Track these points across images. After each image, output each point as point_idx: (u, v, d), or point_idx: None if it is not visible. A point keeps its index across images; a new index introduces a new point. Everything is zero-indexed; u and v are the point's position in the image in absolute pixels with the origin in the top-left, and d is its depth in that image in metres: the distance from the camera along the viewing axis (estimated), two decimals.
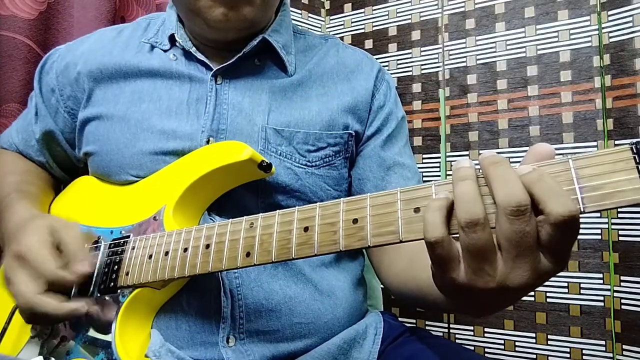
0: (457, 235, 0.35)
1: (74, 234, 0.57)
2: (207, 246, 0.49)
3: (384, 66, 1.04)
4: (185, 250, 0.51)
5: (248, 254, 0.46)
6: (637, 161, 0.31)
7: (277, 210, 0.46)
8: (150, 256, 0.54)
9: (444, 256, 0.35)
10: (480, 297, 0.36)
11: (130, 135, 0.63)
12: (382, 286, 0.99)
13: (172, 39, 0.67)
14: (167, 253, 0.52)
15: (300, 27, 0.76)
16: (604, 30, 1.00)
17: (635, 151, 0.31)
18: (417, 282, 0.53)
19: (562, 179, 0.33)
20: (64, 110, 0.70)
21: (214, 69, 0.64)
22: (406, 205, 0.38)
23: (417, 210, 0.37)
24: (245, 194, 0.61)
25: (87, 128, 0.68)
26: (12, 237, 0.58)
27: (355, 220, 0.40)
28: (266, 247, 0.45)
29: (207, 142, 0.62)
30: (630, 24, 0.96)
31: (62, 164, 0.76)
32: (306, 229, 0.42)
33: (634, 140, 0.32)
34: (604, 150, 0.32)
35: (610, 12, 0.99)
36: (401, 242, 0.38)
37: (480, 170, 0.35)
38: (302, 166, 0.64)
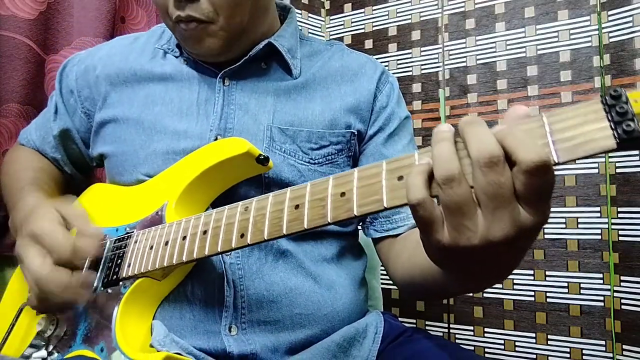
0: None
1: (76, 211, 0.60)
2: (205, 232, 0.51)
3: (384, 66, 1.04)
4: (184, 238, 0.52)
5: (242, 235, 0.47)
6: (607, 111, 0.32)
7: (271, 193, 0.47)
8: (151, 247, 0.55)
9: (427, 217, 0.36)
10: (468, 258, 0.37)
11: (145, 137, 0.65)
12: (382, 287, 0.99)
13: (179, 46, 0.70)
14: (167, 243, 0.54)
15: (307, 34, 0.77)
16: (604, 30, 1.00)
17: (605, 102, 0.32)
18: (419, 266, 0.55)
19: (536, 134, 0.34)
20: (81, 111, 0.73)
21: (221, 72, 0.67)
22: (391, 174, 0.39)
23: (400, 178, 0.38)
24: (250, 190, 0.63)
25: (104, 130, 0.71)
26: (24, 221, 0.60)
27: (342, 194, 0.41)
28: (259, 227, 0.46)
29: (215, 140, 0.63)
30: (630, 24, 0.96)
31: (75, 161, 0.79)
32: (297, 207, 0.44)
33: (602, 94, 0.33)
34: (576, 105, 0.33)
35: (610, 12, 0.99)
36: (385, 209, 0.39)
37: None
38: (305, 163, 0.66)
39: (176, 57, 0.70)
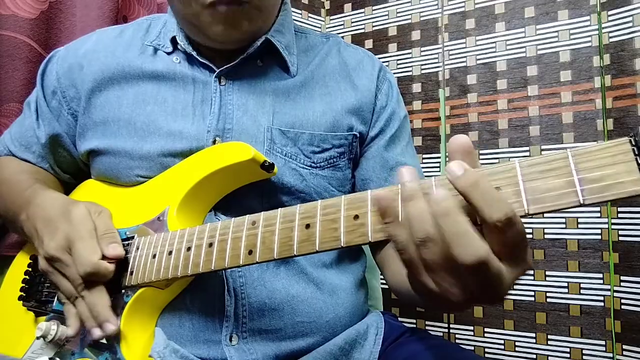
0: None
1: (104, 219, 0.58)
2: (210, 245, 0.49)
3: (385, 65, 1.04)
4: (189, 249, 0.51)
5: (250, 252, 0.46)
6: (636, 153, 0.31)
7: (279, 209, 0.46)
8: (154, 256, 0.54)
9: (413, 261, 0.36)
10: (454, 302, 0.36)
11: (138, 138, 0.62)
12: (382, 286, 0.99)
13: (174, 42, 0.67)
14: (170, 252, 0.52)
15: (301, 27, 0.76)
16: (604, 30, 1.00)
17: (634, 143, 0.31)
18: (405, 285, 0.53)
19: (561, 172, 0.33)
20: (67, 113, 0.69)
21: (217, 71, 0.64)
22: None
23: None
24: (250, 194, 0.61)
25: (93, 131, 0.67)
26: (56, 219, 0.57)
27: (356, 217, 0.40)
28: (268, 245, 0.45)
29: (214, 142, 0.61)
30: (630, 24, 0.96)
31: (65, 169, 0.75)
32: (307, 226, 0.43)
33: (632, 133, 0.32)
34: (603, 143, 0.33)
35: (610, 12, 0.99)
36: None
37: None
38: (307, 167, 0.64)
39: (168, 53, 0.66)
